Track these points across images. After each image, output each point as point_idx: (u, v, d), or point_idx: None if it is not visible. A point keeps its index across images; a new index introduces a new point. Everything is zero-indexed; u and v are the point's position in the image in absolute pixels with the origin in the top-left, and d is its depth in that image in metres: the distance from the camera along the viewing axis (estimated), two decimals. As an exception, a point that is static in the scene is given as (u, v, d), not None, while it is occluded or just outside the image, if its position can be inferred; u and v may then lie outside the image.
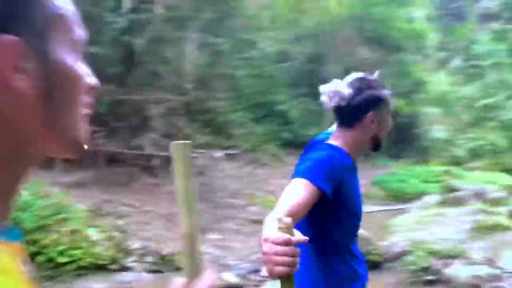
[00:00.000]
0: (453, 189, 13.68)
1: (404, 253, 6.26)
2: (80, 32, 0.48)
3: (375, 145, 1.71)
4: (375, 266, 6.04)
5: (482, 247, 6.43)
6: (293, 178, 1.45)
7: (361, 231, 6.90)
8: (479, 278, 4.56)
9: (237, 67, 13.54)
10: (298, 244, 1.02)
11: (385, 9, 15.43)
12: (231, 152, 12.26)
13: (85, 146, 0.48)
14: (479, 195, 12.27)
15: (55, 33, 0.43)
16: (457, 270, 4.98)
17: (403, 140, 17.30)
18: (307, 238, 1.06)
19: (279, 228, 0.99)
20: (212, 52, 11.92)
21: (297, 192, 1.37)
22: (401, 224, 9.04)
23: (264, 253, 1.00)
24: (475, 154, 20.17)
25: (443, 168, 16.38)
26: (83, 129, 0.47)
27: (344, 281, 1.65)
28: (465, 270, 4.93)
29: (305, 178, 1.41)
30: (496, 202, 10.70)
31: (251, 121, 14.76)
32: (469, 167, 18.52)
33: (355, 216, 1.73)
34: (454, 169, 16.30)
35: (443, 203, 11.46)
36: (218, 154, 11.26)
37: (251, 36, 14.00)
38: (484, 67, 22.54)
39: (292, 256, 0.96)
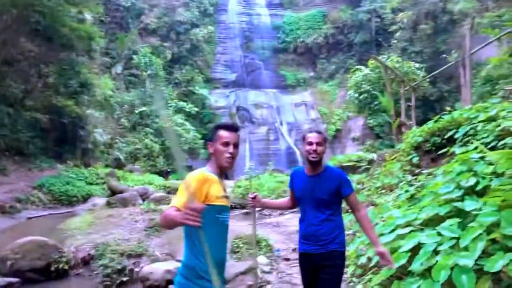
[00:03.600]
0: (118, 191, 14.23)
1: (91, 257, 6.12)
2: (223, 140, 2.17)
3: None
4: (63, 275, 5.70)
5: (158, 244, 6.98)
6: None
7: (43, 238, 6.32)
8: (170, 273, 4.95)
9: None
10: None
11: (53, 2, 14.56)
12: None
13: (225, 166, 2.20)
14: (143, 196, 13.24)
15: (217, 140, 2.19)
16: (150, 268, 5.26)
17: (68, 141, 16.74)
18: None
19: None
20: None
21: None
22: (74, 227, 8.71)
23: None
24: (133, 157, 21.56)
25: (106, 170, 16.72)
26: (225, 161, 2.17)
27: None
28: (155, 267, 5.28)
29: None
30: (159, 201, 11.77)
31: None
32: (129, 169, 19.65)
33: None
34: (117, 171, 16.89)
35: (110, 204, 11.77)
36: None
37: None
38: (143, 77, 24.43)
39: None
